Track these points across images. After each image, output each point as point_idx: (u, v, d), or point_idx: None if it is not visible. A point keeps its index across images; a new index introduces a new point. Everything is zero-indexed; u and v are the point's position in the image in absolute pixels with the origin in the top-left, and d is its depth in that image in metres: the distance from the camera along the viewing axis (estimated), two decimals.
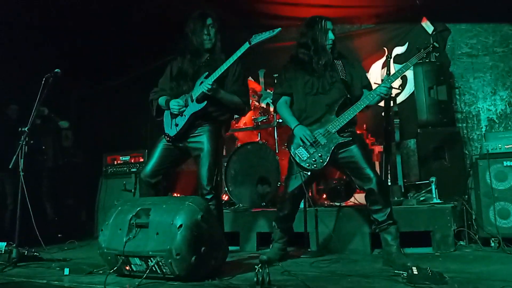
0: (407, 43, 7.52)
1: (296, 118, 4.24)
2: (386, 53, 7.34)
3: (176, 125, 4.22)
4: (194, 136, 4.28)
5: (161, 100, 4.42)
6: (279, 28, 3.84)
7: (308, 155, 4.06)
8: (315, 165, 4.02)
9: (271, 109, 6.77)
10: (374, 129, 6.92)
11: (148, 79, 5.16)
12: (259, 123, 6.65)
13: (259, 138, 6.60)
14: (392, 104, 6.13)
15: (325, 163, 4.01)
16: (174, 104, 4.23)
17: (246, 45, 4.04)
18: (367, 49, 7.74)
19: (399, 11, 7.27)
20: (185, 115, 4.22)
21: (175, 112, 4.25)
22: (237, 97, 4.35)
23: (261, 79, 8.34)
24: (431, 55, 6.16)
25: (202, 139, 4.22)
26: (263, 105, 7.02)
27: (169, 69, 4.53)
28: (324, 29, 4.19)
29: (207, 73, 4.19)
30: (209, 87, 4.08)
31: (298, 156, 4.12)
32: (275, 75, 6.10)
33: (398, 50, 7.56)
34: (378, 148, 6.53)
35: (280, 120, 6.32)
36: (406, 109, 7.15)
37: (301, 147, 4.11)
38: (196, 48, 4.34)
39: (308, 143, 4.07)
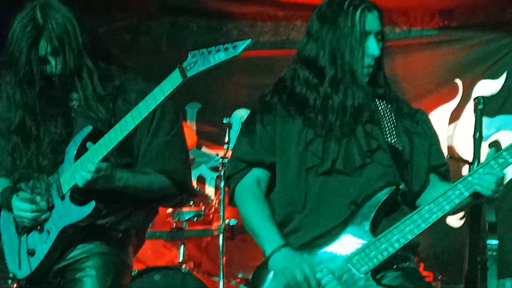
0: (504, 74, 5.63)
1: (276, 227, 2.57)
2: (462, 90, 5.62)
3: (31, 252, 2.82)
4: (71, 263, 2.84)
5: None
6: (249, 40, 2.47)
7: None
8: None
9: (212, 192, 5.60)
10: (433, 254, 5.63)
11: None
12: (183, 225, 4.94)
13: (181, 258, 4.89)
14: (484, 209, 4.35)
15: None
16: (23, 208, 2.80)
17: (177, 79, 2.48)
18: (421, 79, 5.88)
19: (490, 6, 5.58)
20: (48, 231, 2.80)
21: (26, 225, 2.89)
22: (163, 176, 2.84)
23: (192, 124, 6.22)
24: None
25: (85, 272, 2.77)
26: (193, 181, 5.77)
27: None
28: (360, 30, 2.54)
29: (91, 127, 2.75)
30: (91, 176, 2.56)
31: None
32: (227, 120, 4.86)
33: (485, 88, 5.66)
34: None
35: (234, 222, 4.77)
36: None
37: None
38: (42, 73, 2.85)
39: None
